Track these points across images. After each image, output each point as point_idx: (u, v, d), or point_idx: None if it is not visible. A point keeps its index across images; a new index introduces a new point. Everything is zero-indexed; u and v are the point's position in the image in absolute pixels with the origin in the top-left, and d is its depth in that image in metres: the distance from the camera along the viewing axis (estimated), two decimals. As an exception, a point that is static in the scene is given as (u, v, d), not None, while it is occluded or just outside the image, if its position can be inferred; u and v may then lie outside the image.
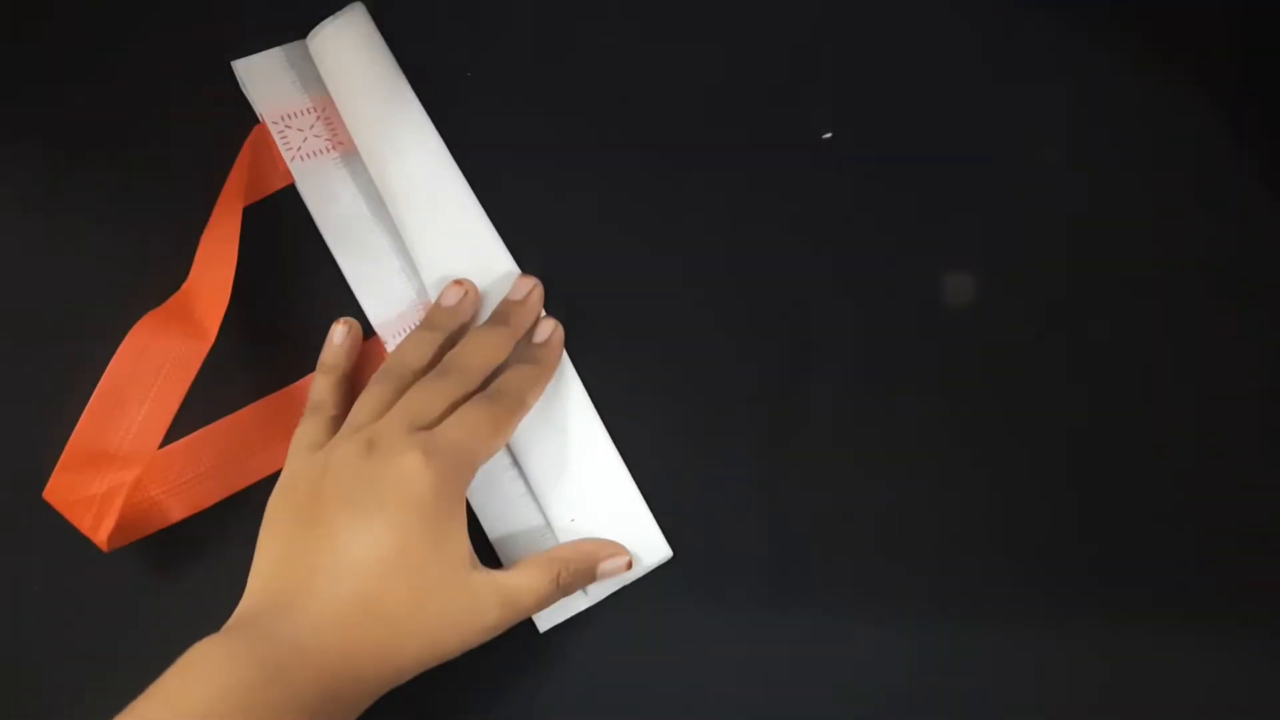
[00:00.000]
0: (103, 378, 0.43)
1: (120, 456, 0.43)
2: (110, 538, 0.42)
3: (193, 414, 0.45)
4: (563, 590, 0.41)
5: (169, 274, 0.46)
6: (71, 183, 0.50)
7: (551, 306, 0.48)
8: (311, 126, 0.50)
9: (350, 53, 0.49)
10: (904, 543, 0.45)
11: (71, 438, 0.43)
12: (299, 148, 0.50)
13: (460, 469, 0.40)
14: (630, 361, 0.48)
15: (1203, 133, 0.51)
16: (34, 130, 0.51)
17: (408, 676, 0.38)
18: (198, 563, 0.45)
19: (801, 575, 0.45)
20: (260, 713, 0.34)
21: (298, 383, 0.47)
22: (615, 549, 0.44)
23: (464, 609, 0.39)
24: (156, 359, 0.43)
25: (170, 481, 0.45)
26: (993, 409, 0.47)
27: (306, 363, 0.47)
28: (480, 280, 0.47)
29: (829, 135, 0.51)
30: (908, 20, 0.53)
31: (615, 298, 0.49)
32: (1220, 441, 0.47)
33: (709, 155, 0.51)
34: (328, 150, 0.50)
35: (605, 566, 0.43)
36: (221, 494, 0.46)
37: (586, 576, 0.42)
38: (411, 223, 0.47)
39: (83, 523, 0.42)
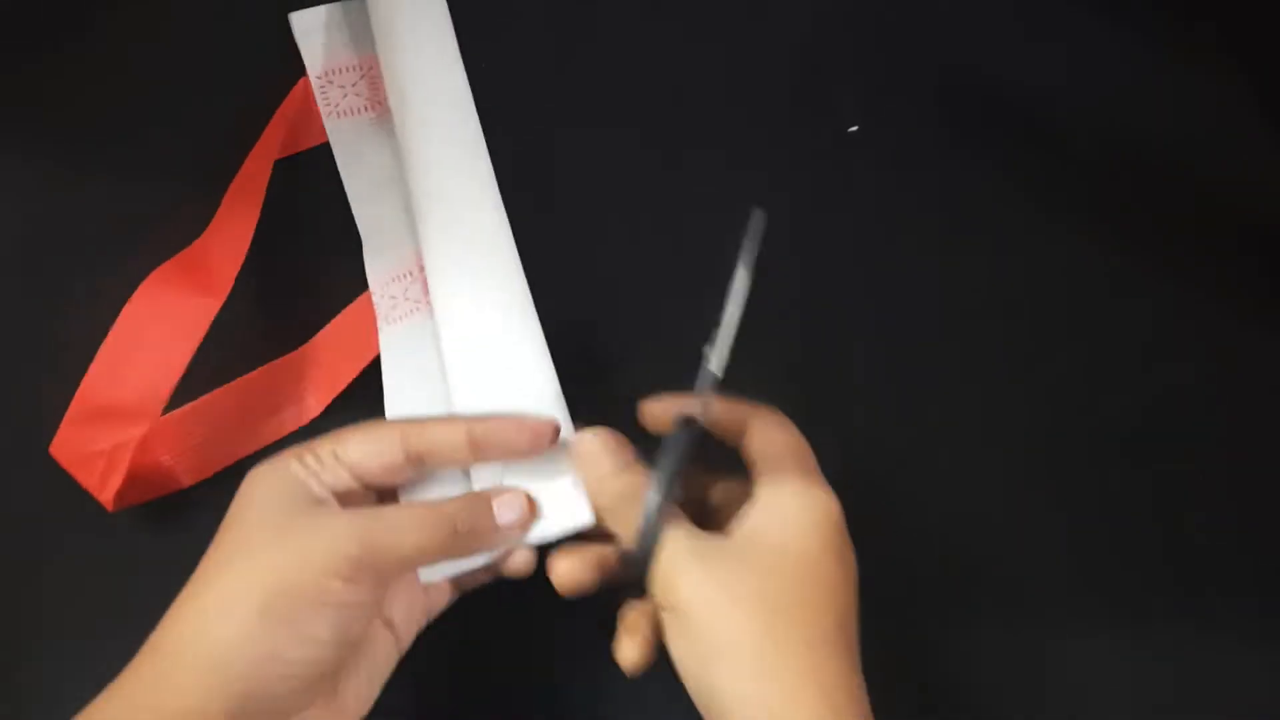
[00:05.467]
0: (111, 329, 0.42)
1: (127, 412, 0.41)
2: (116, 497, 0.41)
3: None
4: (458, 532, 0.35)
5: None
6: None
7: (561, 304, 0.45)
8: (354, 84, 0.50)
9: (405, 6, 0.48)
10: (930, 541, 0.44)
11: (79, 390, 0.41)
12: (337, 104, 0.49)
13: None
14: (642, 361, 0.46)
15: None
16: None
17: None
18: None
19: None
20: None
21: (306, 345, 0.46)
22: (510, 489, 0.37)
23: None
24: (168, 312, 0.42)
25: (178, 445, 0.43)
26: (1012, 402, 0.46)
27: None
28: (480, 270, 0.44)
29: (855, 129, 0.51)
30: (928, 15, 0.53)
31: (628, 295, 0.48)
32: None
33: (729, 151, 0.51)
34: (365, 110, 0.49)
35: (499, 506, 0.36)
36: (230, 458, 0.44)
37: (485, 523, 0.36)
38: (422, 192, 0.45)
39: (89, 480, 0.41)
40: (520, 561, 0.37)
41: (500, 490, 0.37)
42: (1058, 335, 0.47)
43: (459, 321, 0.41)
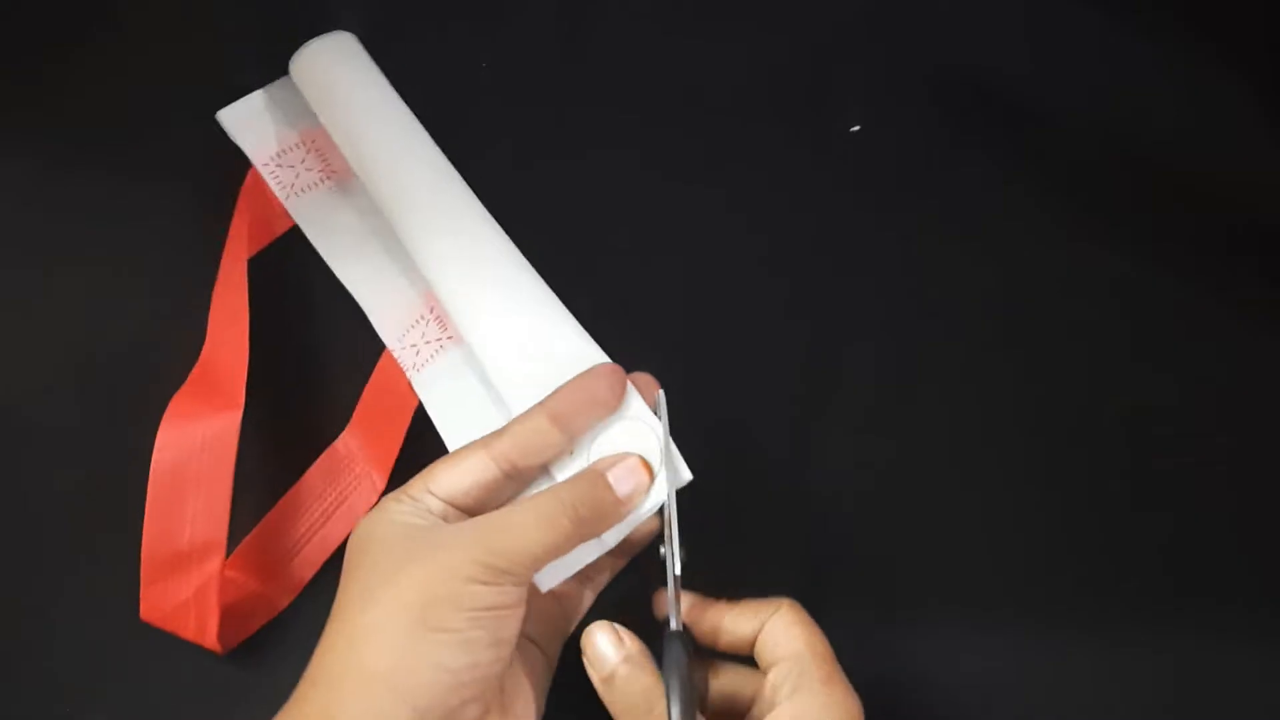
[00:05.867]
0: (150, 479, 0.41)
1: (196, 553, 0.41)
2: (220, 638, 0.40)
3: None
4: (582, 518, 0.34)
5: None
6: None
7: (569, 305, 0.45)
8: (303, 161, 0.49)
9: (334, 70, 0.47)
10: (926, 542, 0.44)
11: (142, 549, 0.41)
12: (292, 184, 0.48)
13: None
14: (650, 359, 0.47)
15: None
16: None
17: None
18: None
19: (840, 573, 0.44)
20: None
21: (348, 426, 0.46)
22: (615, 456, 0.36)
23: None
24: (195, 441, 0.41)
25: (263, 569, 0.43)
26: (1013, 403, 0.46)
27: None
28: (492, 281, 0.43)
29: (857, 129, 0.51)
30: (929, 15, 0.53)
31: (635, 295, 0.48)
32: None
33: (731, 151, 0.51)
34: (322, 181, 0.48)
35: (617, 478, 0.35)
36: (317, 562, 0.44)
37: (605, 499, 0.35)
38: (415, 234, 0.44)
39: (187, 630, 0.41)
40: (644, 532, 0.38)
41: (610, 460, 0.36)
42: (1058, 335, 0.47)
43: (492, 335, 0.41)
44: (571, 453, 0.37)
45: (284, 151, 0.49)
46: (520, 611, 0.33)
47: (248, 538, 0.43)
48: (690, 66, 0.52)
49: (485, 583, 0.32)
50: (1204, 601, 0.43)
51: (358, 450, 0.45)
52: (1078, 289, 0.48)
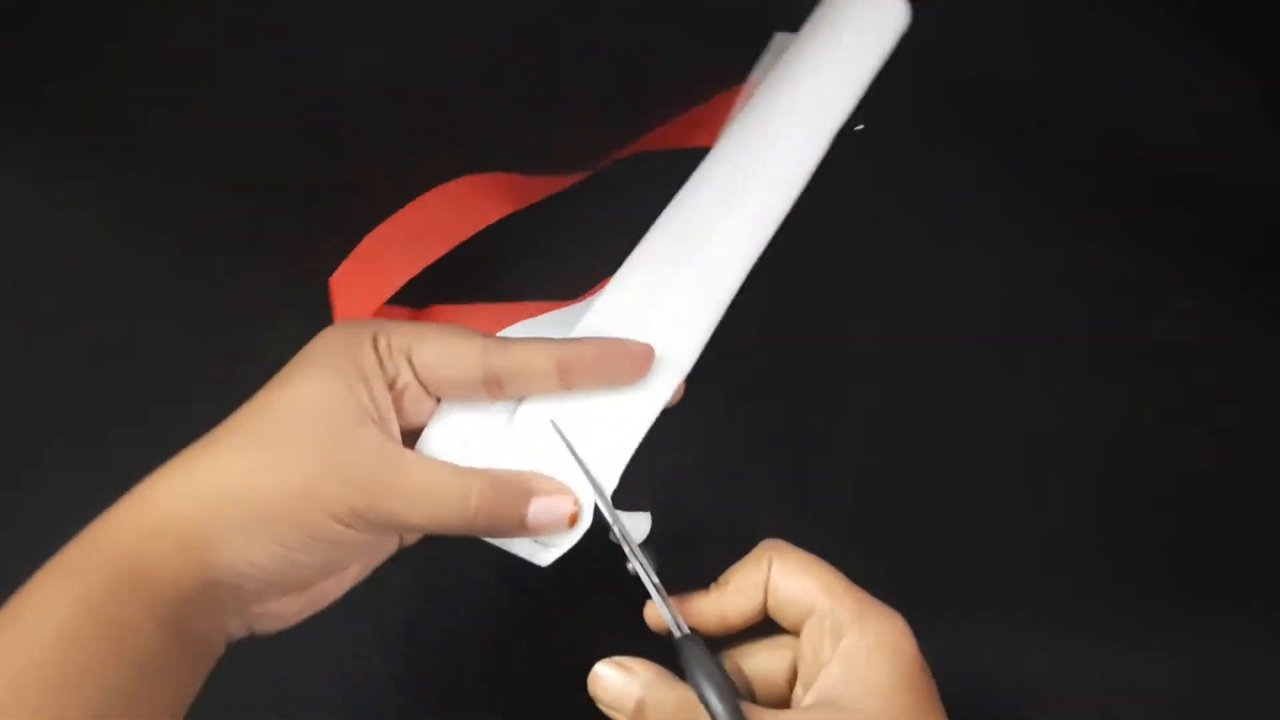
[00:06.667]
0: (413, 202, 0.43)
1: (384, 275, 0.42)
2: None
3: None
4: (475, 521, 0.32)
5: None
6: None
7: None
8: None
9: (837, 32, 0.44)
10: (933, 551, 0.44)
11: (368, 236, 0.42)
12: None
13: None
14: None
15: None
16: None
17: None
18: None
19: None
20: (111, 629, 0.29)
21: (596, 290, 0.44)
22: (557, 486, 0.33)
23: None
24: (466, 205, 0.43)
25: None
26: (1013, 403, 0.46)
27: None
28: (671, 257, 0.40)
29: (860, 128, 0.51)
30: (931, 15, 0.53)
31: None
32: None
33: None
34: None
35: (537, 508, 0.33)
36: None
37: (511, 516, 0.32)
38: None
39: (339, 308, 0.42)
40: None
41: (548, 486, 0.33)
42: (1058, 335, 0.47)
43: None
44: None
45: None
46: (365, 549, 0.32)
47: (440, 308, 0.45)
48: (689, 66, 0.52)
49: (344, 524, 0.30)
50: (1204, 601, 0.43)
51: None
52: (1078, 289, 0.48)
